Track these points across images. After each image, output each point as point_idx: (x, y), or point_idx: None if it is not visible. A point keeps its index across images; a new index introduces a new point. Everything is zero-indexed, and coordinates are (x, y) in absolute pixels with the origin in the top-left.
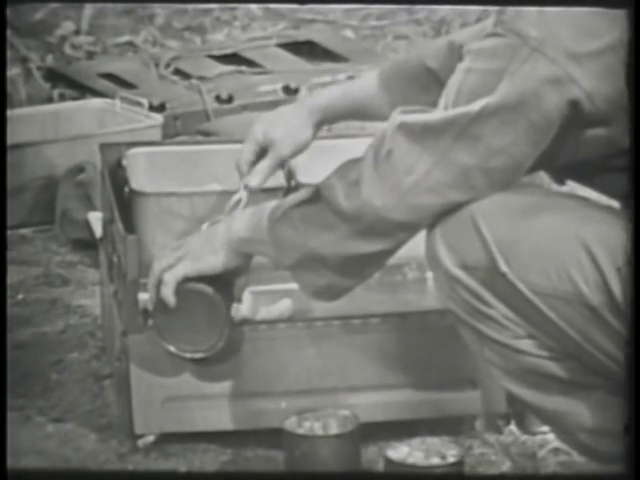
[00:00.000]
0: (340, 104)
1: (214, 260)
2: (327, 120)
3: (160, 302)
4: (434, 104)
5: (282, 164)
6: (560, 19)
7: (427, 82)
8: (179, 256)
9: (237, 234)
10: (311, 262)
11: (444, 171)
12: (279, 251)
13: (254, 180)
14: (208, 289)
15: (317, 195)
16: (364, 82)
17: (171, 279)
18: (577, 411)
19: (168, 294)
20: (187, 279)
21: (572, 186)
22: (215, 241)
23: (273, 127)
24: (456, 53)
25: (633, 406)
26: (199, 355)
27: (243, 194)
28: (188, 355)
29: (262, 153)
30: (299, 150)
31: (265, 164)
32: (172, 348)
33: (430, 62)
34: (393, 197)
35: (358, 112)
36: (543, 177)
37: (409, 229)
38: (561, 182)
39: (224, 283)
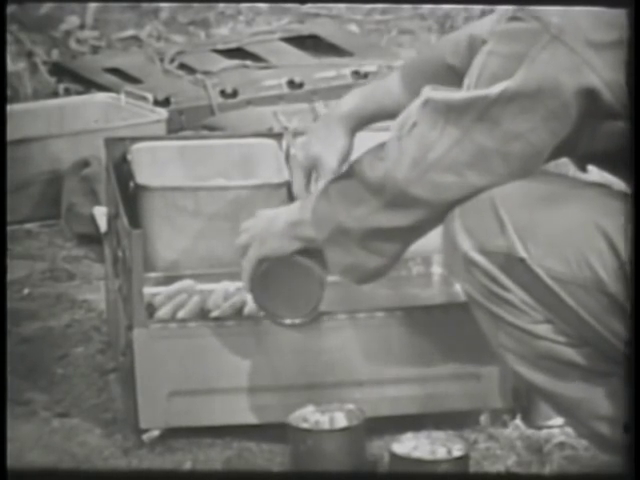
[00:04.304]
0: (367, 107)
1: (277, 244)
2: (358, 125)
3: (254, 277)
4: None
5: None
6: (580, 7)
7: (448, 79)
8: (251, 236)
9: (290, 218)
10: (338, 237)
11: (463, 150)
12: (317, 227)
13: None
14: (303, 260)
15: (352, 170)
16: (387, 82)
17: (247, 265)
18: (591, 398)
19: (245, 279)
20: (260, 261)
21: (594, 172)
22: (276, 226)
23: (311, 147)
24: (477, 47)
25: (633, 406)
26: (298, 321)
27: None
28: (288, 321)
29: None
30: (344, 159)
31: (322, 185)
32: (271, 316)
33: (450, 58)
34: (414, 171)
35: (385, 112)
36: (566, 164)
37: (427, 206)
38: (583, 168)
39: (315, 250)
